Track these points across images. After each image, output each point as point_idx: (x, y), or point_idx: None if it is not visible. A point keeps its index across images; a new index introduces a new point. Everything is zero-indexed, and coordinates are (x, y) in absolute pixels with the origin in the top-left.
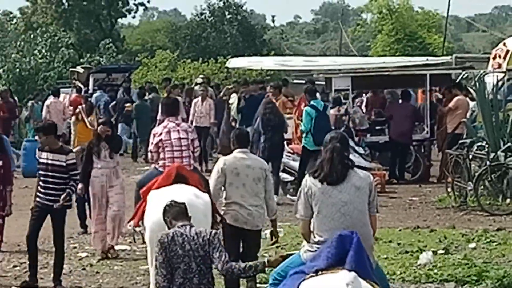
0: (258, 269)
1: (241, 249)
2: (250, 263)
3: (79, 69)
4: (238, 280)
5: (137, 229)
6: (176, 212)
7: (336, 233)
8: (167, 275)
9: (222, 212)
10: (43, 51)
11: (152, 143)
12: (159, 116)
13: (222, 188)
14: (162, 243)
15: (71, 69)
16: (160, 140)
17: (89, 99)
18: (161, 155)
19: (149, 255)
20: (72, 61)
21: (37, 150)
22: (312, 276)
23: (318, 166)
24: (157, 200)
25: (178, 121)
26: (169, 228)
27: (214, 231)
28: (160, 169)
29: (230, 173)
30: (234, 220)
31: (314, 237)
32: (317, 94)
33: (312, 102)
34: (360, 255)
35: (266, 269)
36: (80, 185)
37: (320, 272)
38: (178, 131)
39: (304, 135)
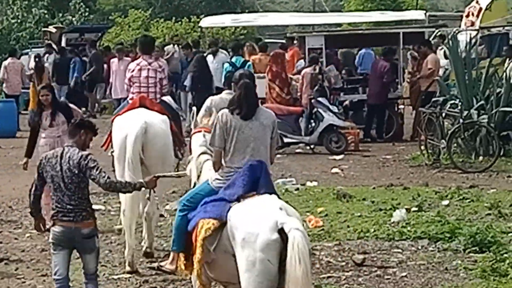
0: (136, 187)
1: None
2: (130, 180)
3: (51, 29)
4: None
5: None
6: (69, 130)
7: (246, 163)
8: (39, 188)
9: None
10: (15, 10)
11: (126, 77)
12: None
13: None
14: (40, 162)
15: (43, 29)
16: (132, 76)
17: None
18: (131, 90)
19: (117, 171)
20: (44, 21)
21: None
22: (238, 202)
23: (234, 101)
24: (119, 123)
25: (150, 60)
26: None
27: (86, 153)
28: (130, 101)
29: (216, 112)
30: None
31: (225, 167)
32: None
33: (233, 59)
34: (269, 180)
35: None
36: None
37: (241, 199)
38: (148, 69)
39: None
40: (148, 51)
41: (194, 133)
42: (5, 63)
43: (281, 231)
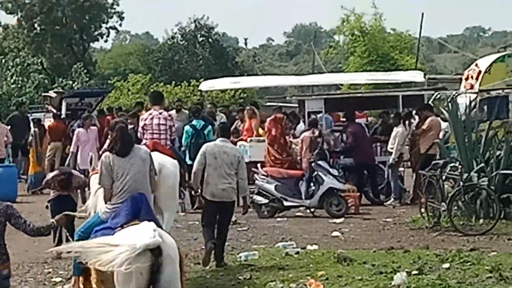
0: (51, 227)
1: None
2: (46, 225)
3: (51, 93)
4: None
5: None
6: None
7: (129, 196)
8: None
9: (203, 190)
10: (14, 76)
11: (140, 125)
12: None
13: (203, 168)
14: None
15: (43, 94)
16: (144, 124)
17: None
18: (144, 136)
19: None
20: (43, 85)
21: None
22: (120, 229)
23: (113, 142)
24: None
25: (160, 110)
26: None
27: (7, 204)
28: (144, 146)
29: (210, 156)
30: (212, 196)
31: (112, 200)
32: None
33: (193, 122)
34: (149, 209)
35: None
36: None
37: (124, 226)
38: (159, 118)
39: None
40: (158, 102)
41: (92, 174)
42: None
43: (152, 250)
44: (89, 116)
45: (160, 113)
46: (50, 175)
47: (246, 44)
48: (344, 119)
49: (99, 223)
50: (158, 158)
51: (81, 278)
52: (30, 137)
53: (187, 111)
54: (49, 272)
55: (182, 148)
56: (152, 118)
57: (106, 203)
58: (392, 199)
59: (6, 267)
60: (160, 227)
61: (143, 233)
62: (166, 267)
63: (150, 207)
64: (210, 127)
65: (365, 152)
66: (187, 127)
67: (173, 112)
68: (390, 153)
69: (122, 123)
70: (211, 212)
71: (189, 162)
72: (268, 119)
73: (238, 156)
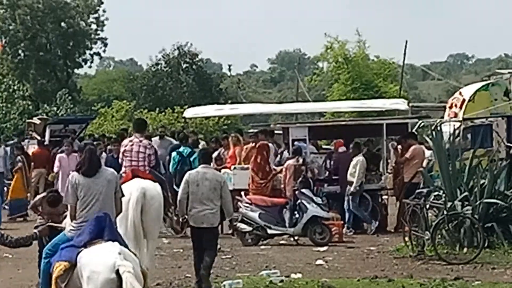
0: (32, 238)
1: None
2: (28, 235)
3: (35, 120)
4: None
5: None
6: None
7: (93, 215)
8: None
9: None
10: None
11: (120, 151)
12: None
13: (187, 196)
14: None
15: (27, 120)
16: (125, 150)
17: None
18: (124, 163)
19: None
20: (28, 112)
21: None
22: (84, 248)
23: (81, 163)
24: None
25: (141, 138)
26: None
27: None
28: (123, 174)
29: (192, 184)
30: (194, 222)
31: (77, 218)
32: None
33: (180, 149)
34: (112, 229)
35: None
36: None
37: (88, 245)
38: (139, 146)
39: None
40: (141, 130)
41: None
42: None
43: (118, 272)
44: (70, 142)
45: (141, 141)
46: (38, 197)
47: (230, 70)
48: (327, 147)
49: (65, 240)
50: (141, 183)
51: None
52: (19, 164)
53: (170, 138)
54: None
55: (168, 175)
56: (132, 145)
57: (72, 220)
58: (347, 229)
59: None
60: (124, 245)
61: (110, 255)
62: None
63: (114, 227)
64: (196, 154)
65: (343, 180)
66: (174, 154)
67: (156, 138)
68: (369, 181)
69: (91, 145)
70: (196, 238)
71: (176, 188)
72: (248, 146)
73: (220, 181)
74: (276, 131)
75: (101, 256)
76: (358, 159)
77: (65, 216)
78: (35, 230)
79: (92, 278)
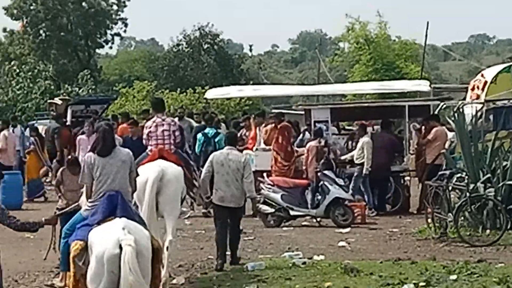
0: (38, 224)
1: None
2: (35, 221)
3: (57, 100)
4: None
5: None
6: None
7: (106, 194)
8: None
9: (212, 196)
10: (21, 82)
11: (144, 133)
12: None
13: (211, 175)
14: None
15: (49, 101)
16: (149, 131)
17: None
18: (149, 143)
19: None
20: (49, 92)
21: None
22: (98, 225)
23: (96, 143)
24: (141, 170)
25: (163, 117)
26: None
27: None
28: (149, 153)
29: (217, 164)
30: (220, 201)
31: (92, 198)
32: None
33: (205, 130)
34: (124, 206)
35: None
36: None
37: (101, 223)
38: (163, 124)
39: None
40: (160, 109)
41: None
42: (4, 133)
43: (121, 247)
44: (91, 123)
45: (163, 120)
46: (58, 173)
47: (251, 50)
48: (349, 128)
49: (81, 220)
50: (161, 165)
51: (68, 273)
52: (31, 145)
53: (189, 119)
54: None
55: (194, 155)
56: (156, 126)
57: (87, 200)
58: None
59: None
60: (138, 222)
61: (114, 231)
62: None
63: (127, 204)
64: (221, 135)
65: (378, 161)
66: (199, 135)
67: (176, 119)
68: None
69: (106, 125)
70: (221, 216)
71: (201, 169)
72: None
73: (243, 161)
74: (297, 112)
75: (106, 232)
76: (364, 141)
77: (82, 194)
78: (44, 218)
79: (98, 255)
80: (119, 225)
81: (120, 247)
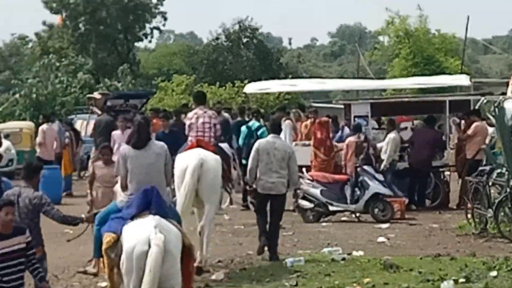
0: (77, 221)
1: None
2: (76, 216)
3: (96, 95)
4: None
5: None
6: (27, 173)
7: (141, 188)
8: None
9: (255, 184)
10: (60, 75)
11: (186, 124)
12: None
13: (257, 164)
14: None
15: (88, 95)
16: (190, 123)
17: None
18: (190, 134)
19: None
20: (89, 86)
21: None
22: (131, 220)
23: (131, 135)
24: (180, 158)
25: (205, 109)
26: None
27: (39, 194)
28: (189, 143)
29: (262, 152)
30: (262, 189)
31: (127, 189)
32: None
33: (249, 123)
34: (159, 202)
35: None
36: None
37: (135, 217)
38: (204, 116)
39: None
40: (202, 102)
41: None
42: (43, 127)
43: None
44: (124, 118)
45: (205, 112)
46: (90, 167)
47: (290, 44)
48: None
49: (116, 210)
50: (201, 153)
51: (101, 261)
52: (66, 140)
53: (226, 114)
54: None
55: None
56: (197, 118)
57: (122, 190)
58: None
59: (40, 251)
60: (171, 218)
61: (146, 229)
62: (165, 263)
63: (161, 200)
64: (264, 128)
65: (419, 157)
66: (243, 128)
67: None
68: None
69: (141, 119)
70: (262, 202)
71: (244, 161)
72: (307, 122)
73: (288, 151)
74: (336, 106)
75: (138, 229)
76: (390, 137)
77: (116, 182)
78: (83, 215)
79: (128, 251)
80: (151, 223)
81: (149, 245)
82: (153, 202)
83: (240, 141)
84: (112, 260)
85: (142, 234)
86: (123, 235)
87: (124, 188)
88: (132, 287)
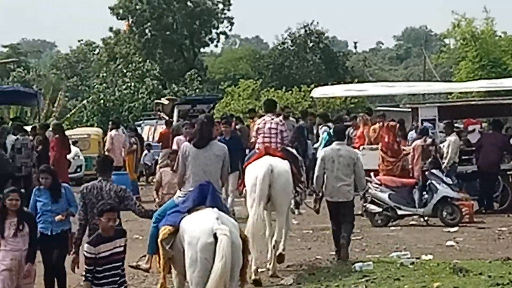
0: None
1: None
2: (152, 209)
3: (163, 100)
4: None
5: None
6: (100, 166)
7: (197, 184)
8: (84, 216)
9: (323, 192)
10: (127, 81)
11: (254, 130)
12: None
13: (324, 172)
14: (82, 193)
15: (155, 101)
16: (258, 128)
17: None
18: (258, 140)
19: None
20: (156, 91)
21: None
22: (187, 213)
23: (193, 134)
24: (251, 168)
25: (273, 116)
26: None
27: (123, 187)
28: (256, 150)
29: (328, 161)
30: (331, 196)
31: (185, 186)
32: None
33: (331, 130)
34: (215, 197)
35: None
36: None
37: (191, 211)
38: (271, 123)
39: None
40: (271, 110)
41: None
42: (111, 133)
43: (215, 236)
44: (186, 124)
45: (272, 119)
46: (157, 173)
47: (355, 47)
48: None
49: (173, 206)
50: (270, 160)
51: (155, 257)
52: (133, 146)
53: (293, 119)
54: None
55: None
56: (265, 123)
57: (179, 188)
58: None
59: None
60: (226, 213)
61: (208, 220)
62: (232, 254)
63: (217, 195)
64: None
65: (488, 160)
66: (325, 134)
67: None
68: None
69: (205, 118)
70: (333, 211)
71: None
72: (376, 126)
73: (353, 157)
74: (403, 110)
75: (200, 221)
76: (450, 140)
77: None
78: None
79: (192, 243)
80: (212, 215)
81: (215, 237)
82: (209, 196)
83: (320, 147)
84: (167, 252)
85: (205, 225)
86: (183, 227)
87: (181, 184)
88: (197, 279)
